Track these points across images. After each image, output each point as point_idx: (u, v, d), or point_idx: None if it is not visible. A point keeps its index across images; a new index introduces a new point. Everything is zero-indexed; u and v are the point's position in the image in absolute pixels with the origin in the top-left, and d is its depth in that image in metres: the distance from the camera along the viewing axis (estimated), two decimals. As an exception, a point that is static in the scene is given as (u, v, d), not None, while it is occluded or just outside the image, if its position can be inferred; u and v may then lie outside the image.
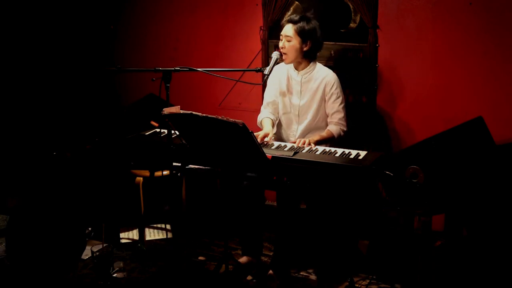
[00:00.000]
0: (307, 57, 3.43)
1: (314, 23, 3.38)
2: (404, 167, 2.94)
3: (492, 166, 3.00)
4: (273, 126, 3.51)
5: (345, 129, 3.45)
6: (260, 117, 3.58)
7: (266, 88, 3.63)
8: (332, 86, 3.42)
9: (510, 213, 3.04)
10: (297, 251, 3.50)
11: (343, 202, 3.50)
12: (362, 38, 3.74)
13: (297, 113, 3.51)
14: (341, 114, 3.45)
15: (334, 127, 3.44)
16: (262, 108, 3.62)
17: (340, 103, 3.44)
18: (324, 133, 3.41)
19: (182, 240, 3.84)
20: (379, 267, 3.42)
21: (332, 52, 3.84)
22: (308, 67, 3.46)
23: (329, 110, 3.46)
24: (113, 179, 4.11)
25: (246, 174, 3.37)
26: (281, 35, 3.39)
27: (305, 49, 3.39)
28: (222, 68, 4.06)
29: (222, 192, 3.93)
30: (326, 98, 3.45)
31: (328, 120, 3.49)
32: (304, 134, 3.50)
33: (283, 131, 3.59)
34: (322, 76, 3.44)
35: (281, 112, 3.57)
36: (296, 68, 3.48)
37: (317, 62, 3.50)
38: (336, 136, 3.41)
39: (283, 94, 3.53)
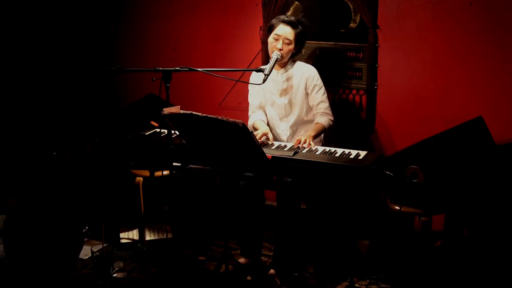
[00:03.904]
0: (292, 57, 3.50)
1: (306, 27, 3.46)
2: (404, 167, 2.94)
3: (492, 166, 3.00)
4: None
5: (332, 118, 3.49)
6: (251, 121, 3.60)
7: (249, 93, 3.65)
8: (313, 78, 3.47)
9: (510, 213, 3.04)
10: (297, 251, 3.50)
11: (343, 202, 3.50)
12: (362, 38, 3.74)
13: (283, 111, 3.54)
14: (326, 104, 3.49)
15: (322, 118, 3.46)
16: (250, 113, 3.64)
17: (323, 93, 3.49)
18: (315, 127, 3.43)
19: (182, 240, 3.84)
20: (379, 267, 3.42)
21: (332, 52, 3.84)
22: (288, 65, 3.51)
23: (313, 102, 3.50)
24: (113, 179, 4.11)
25: (246, 174, 3.38)
26: (278, 35, 3.38)
27: (294, 51, 3.45)
28: (222, 68, 4.07)
29: (222, 192, 3.93)
30: (309, 91, 3.49)
31: (314, 111, 3.52)
32: (293, 131, 3.54)
33: (273, 131, 3.60)
34: (302, 71, 3.49)
35: (268, 112, 3.61)
36: (276, 68, 3.50)
37: (295, 60, 3.56)
38: (326, 126, 3.45)
39: (267, 95, 3.56)
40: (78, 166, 4.07)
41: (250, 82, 3.56)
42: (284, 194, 3.29)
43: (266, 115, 3.64)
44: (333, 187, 3.25)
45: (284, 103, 3.52)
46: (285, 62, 3.49)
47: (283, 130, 3.57)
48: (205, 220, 4.06)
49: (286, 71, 3.50)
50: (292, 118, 3.53)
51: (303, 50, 3.78)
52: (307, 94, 3.50)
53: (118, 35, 4.67)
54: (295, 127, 3.54)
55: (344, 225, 3.56)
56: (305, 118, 3.54)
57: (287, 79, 3.50)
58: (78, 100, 4.62)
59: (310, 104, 3.52)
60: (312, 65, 3.56)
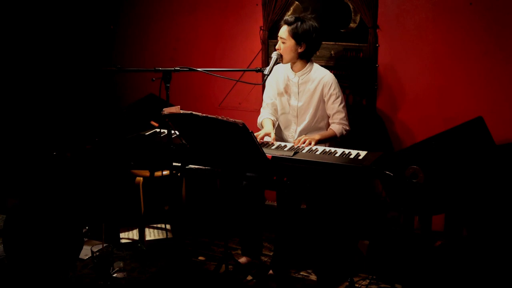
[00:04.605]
0: (303, 58, 3.40)
1: (309, 25, 3.33)
2: (404, 167, 2.94)
3: (492, 166, 3.00)
4: (273, 127, 3.50)
5: (348, 128, 3.44)
6: (260, 118, 3.58)
7: (265, 89, 3.63)
8: (330, 87, 3.40)
9: (510, 213, 3.04)
10: (297, 251, 3.50)
11: (343, 202, 3.50)
12: (362, 38, 3.74)
13: (295, 114, 3.50)
14: (342, 114, 3.43)
15: (337, 126, 3.42)
16: (261, 109, 3.61)
17: (340, 103, 3.42)
18: (325, 132, 3.41)
19: (182, 240, 3.84)
20: (379, 267, 3.42)
21: (332, 52, 3.84)
22: (305, 68, 3.43)
23: (330, 111, 3.45)
24: (113, 179, 4.11)
25: (246, 174, 3.38)
26: (278, 36, 3.38)
27: (300, 50, 3.35)
28: (222, 68, 4.07)
29: (222, 192, 3.93)
30: (325, 99, 3.43)
31: (330, 121, 3.47)
32: (302, 135, 3.51)
33: (282, 132, 3.59)
34: (320, 77, 3.42)
35: (279, 113, 3.57)
36: (293, 69, 3.47)
37: (314, 63, 3.48)
38: (338, 134, 3.41)
39: (280, 95, 3.53)
40: (78, 166, 4.07)
41: (252, 82, 3.55)
42: (284, 194, 3.29)
43: (277, 112, 3.59)
44: (333, 187, 3.24)
45: (297, 106, 3.48)
46: (297, 63, 3.43)
47: (291, 132, 3.53)
48: (205, 220, 4.06)
49: (303, 74, 3.43)
50: (303, 122, 3.47)
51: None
52: (323, 101, 3.45)
53: (118, 35, 4.68)
54: (305, 132, 3.47)
55: (344, 225, 3.56)
56: (316, 125, 3.48)
57: (303, 82, 3.44)
58: (78, 100, 4.62)
59: (327, 112, 3.47)
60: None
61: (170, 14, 4.42)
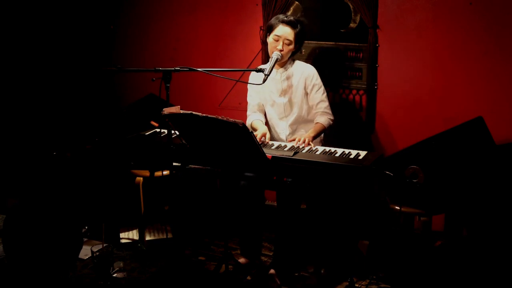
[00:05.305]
0: (292, 56, 3.51)
1: (305, 25, 3.46)
2: (404, 167, 2.94)
3: (492, 166, 3.00)
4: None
5: (332, 117, 3.50)
6: (249, 121, 3.61)
7: (248, 93, 3.66)
8: (312, 78, 3.47)
9: (510, 213, 3.04)
10: (297, 251, 3.50)
11: (343, 202, 3.50)
12: (362, 38, 3.74)
13: (282, 110, 3.54)
14: (325, 103, 3.49)
15: (322, 117, 3.47)
16: (248, 112, 3.65)
17: (323, 93, 3.50)
18: (315, 127, 3.44)
19: (182, 240, 3.84)
20: (379, 267, 3.42)
21: (332, 52, 3.84)
22: (288, 64, 3.51)
23: (313, 101, 3.50)
24: (113, 179, 4.11)
25: (246, 174, 3.38)
26: (278, 36, 3.39)
27: (294, 50, 3.46)
28: (222, 68, 4.07)
29: (222, 192, 3.93)
30: (308, 90, 3.49)
31: (314, 111, 3.53)
32: (293, 129, 3.55)
33: (272, 131, 3.61)
34: (301, 71, 3.49)
35: (267, 112, 3.61)
36: (277, 67, 3.50)
37: (294, 59, 3.55)
38: (326, 126, 3.46)
39: (265, 94, 3.56)
40: (78, 166, 4.07)
41: (249, 82, 3.56)
42: (284, 194, 3.29)
43: (265, 115, 3.64)
44: (333, 187, 3.24)
45: (283, 103, 3.53)
46: (284, 62, 3.49)
47: (282, 129, 3.57)
48: (205, 220, 4.06)
49: (286, 71, 3.50)
50: (291, 117, 3.54)
51: (303, 50, 3.79)
52: (306, 94, 3.50)
53: (118, 35, 4.68)
54: (295, 126, 3.55)
55: (344, 225, 3.56)
56: (305, 117, 3.55)
57: (287, 78, 3.50)
58: (78, 100, 4.62)
59: (310, 103, 3.52)
60: (312, 65, 3.56)
61: (170, 14, 4.42)
